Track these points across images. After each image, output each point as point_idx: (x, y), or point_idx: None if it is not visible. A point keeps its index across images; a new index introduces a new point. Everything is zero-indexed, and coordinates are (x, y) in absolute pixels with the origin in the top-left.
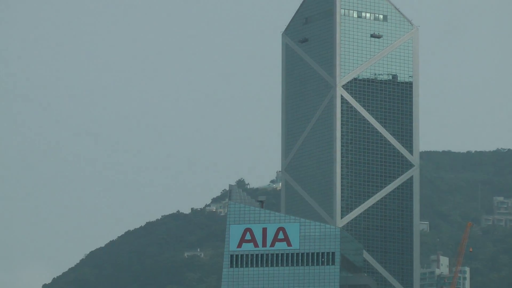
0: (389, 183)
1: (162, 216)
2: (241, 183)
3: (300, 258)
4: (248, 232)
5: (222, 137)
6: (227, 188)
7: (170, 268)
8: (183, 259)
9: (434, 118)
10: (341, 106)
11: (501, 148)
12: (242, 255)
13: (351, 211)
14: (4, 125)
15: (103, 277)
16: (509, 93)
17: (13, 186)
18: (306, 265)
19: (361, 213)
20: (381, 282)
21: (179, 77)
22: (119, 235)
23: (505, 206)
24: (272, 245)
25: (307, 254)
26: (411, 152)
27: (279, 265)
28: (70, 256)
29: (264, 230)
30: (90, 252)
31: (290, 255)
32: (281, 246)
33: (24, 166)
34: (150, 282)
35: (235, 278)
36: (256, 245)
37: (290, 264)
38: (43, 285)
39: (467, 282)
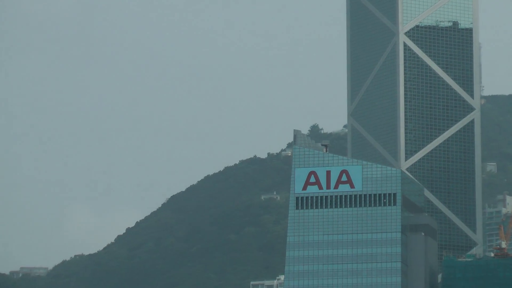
0: (451, 126)
1: (239, 161)
2: (315, 128)
3: (362, 199)
4: (312, 175)
5: (294, 83)
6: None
7: (247, 211)
8: (260, 202)
9: (499, 63)
10: (404, 52)
11: None
12: (307, 197)
13: (415, 154)
14: None
15: (184, 220)
16: None
17: (103, 136)
18: (369, 206)
19: (424, 155)
20: (444, 222)
21: (257, 27)
22: (199, 179)
23: None
24: (336, 187)
25: (370, 195)
26: (472, 96)
27: (343, 207)
28: (153, 201)
29: (328, 173)
30: (171, 196)
31: (353, 196)
32: (344, 188)
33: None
34: (228, 224)
35: (301, 220)
36: (320, 187)
37: (353, 205)
38: (126, 228)
39: None
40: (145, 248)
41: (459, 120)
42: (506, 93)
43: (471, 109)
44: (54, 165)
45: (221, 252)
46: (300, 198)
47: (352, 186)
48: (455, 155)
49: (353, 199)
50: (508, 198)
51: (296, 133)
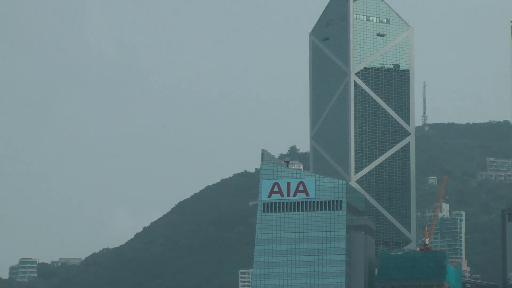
0: (392, 147)
1: (233, 174)
2: (293, 148)
3: (315, 205)
4: (276, 185)
5: (271, 114)
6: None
7: (239, 214)
8: (248, 207)
9: (441, 97)
10: (355, 88)
11: (492, 120)
12: (272, 203)
13: (362, 169)
14: None
15: (188, 221)
16: (491, 78)
17: (115, 148)
18: (320, 210)
19: (370, 170)
20: (385, 223)
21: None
22: (201, 189)
23: (495, 164)
24: (294, 195)
25: (321, 202)
26: (408, 123)
27: (300, 211)
28: (164, 206)
29: (288, 184)
30: (178, 202)
31: (308, 202)
32: (301, 196)
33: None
34: (223, 224)
35: (267, 221)
36: (282, 195)
37: (308, 209)
38: (143, 227)
39: (463, 223)
40: (157, 243)
41: (398, 143)
42: (445, 121)
43: (408, 133)
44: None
45: (217, 246)
46: (266, 204)
47: (307, 194)
48: (395, 170)
49: (308, 204)
50: (443, 205)
51: (263, 152)
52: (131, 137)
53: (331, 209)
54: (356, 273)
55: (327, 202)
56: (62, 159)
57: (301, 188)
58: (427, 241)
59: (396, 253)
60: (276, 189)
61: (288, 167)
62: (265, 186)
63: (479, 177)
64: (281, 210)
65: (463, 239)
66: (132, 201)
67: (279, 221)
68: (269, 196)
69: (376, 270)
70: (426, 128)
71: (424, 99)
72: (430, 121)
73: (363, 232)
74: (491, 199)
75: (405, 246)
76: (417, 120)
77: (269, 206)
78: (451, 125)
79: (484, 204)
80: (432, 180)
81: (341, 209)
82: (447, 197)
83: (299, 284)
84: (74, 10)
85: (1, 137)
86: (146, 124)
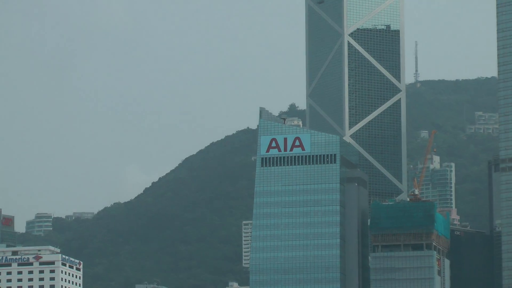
0: (384, 103)
1: (236, 131)
2: (293, 106)
3: (311, 159)
4: (273, 141)
5: (269, 74)
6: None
7: (242, 169)
8: (251, 162)
9: (432, 55)
10: (348, 48)
11: (480, 77)
12: (270, 158)
13: (356, 124)
14: None
15: (194, 177)
16: (478, 36)
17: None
18: (316, 163)
19: (364, 125)
20: (378, 175)
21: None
22: (206, 145)
23: (483, 118)
24: (291, 150)
25: (316, 156)
26: (399, 81)
27: (296, 164)
28: (172, 162)
29: (285, 139)
30: (185, 158)
31: (304, 156)
32: (297, 151)
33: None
34: (227, 179)
35: (265, 174)
36: (279, 150)
37: (304, 163)
38: (152, 182)
39: (453, 174)
40: (166, 197)
41: (390, 99)
42: (436, 78)
43: (399, 90)
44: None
45: (222, 199)
46: (264, 158)
47: (303, 149)
48: (387, 125)
49: (304, 158)
50: (434, 157)
51: (261, 110)
52: (140, 98)
53: (325, 163)
54: (349, 223)
55: (322, 156)
56: (77, 118)
57: (297, 143)
58: (416, 192)
59: (387, 203)
60: (273, 144)
61: (285, 123)
62: (263, 141)
63: (468, 130)
64: (278, 164)
65: (453, 189)
66: (142, 158)
67: (277, 175)
68: (267, 151)
69: (368, 219)
70: (418, 85)
71: (416, 58)
72: (421, 78)
73: (356, 184)
74: (480, 151)
75: (397, 196)
76: (409, 77)
77: (267, 161)
78: (441, 82)
79: (473, 156)
80: (424, 134)
81: (335, 162)
82: (435, 150)
83: (296, 233)
84: None
85: (19, 96)
86: (155, 85)
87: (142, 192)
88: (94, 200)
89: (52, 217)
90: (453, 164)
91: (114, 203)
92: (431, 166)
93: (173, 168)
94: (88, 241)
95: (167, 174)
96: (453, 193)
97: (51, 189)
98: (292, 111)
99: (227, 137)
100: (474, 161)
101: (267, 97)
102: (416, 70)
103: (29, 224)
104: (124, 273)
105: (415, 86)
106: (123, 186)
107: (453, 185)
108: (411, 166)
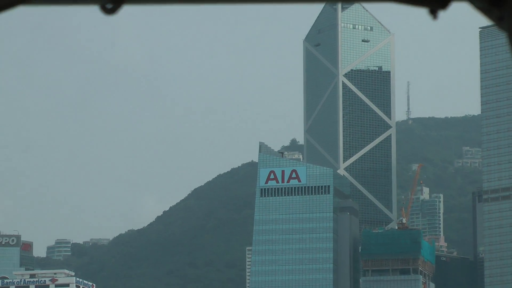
0: (376, 139)
1: (241, 164)
2: (294, 141)
3: (306, 190)
4: (272, 173)
5: (270, 109)
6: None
7: (246, 198)
8: (254, 192)
9: (420, 94)
10: (343, 88)
11: (468, 114)
12: (268, 189)
13: (350, 158)
14: None
15: (202, 205)
16: (464, 76)
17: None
18: (311, 194)
19: (357, 159)
20: (370, 205)
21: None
22: (213, 177)
23: (470, 153)
24: (288, 181)
25: (311, 187)
26: (390, 117)
27: (293, 195)
28: (182, 192)
29: (283, 172)
30: (194, 189)
31: (300, 188)
32: (294, 182)
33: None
34: (233, 208)
35: (264, 204)
36: (277, 181)
37: (300, 194)
38: (163, 211)
39: (441, 204)
40: (176, 225)
41: (381, 134)
42: (427, 115)
43: (389, 126)
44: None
45: (227, 226)
46: (263, 189)
47: (299, 180)
48: (378, 158)
49: (300, 189)
50: (424, 189)
51: (261, 145)
52: (154, 133)
53: (320, 193)
54: (342, 249)
55: (316, 187)
56: (97, 152)
57: (294, 175)
58: (404, 220)
59: (377, 231)
60: (272, 176)
61: (283, 157)
62: (262, 174)
63: (456, 164)
64: (276, 195)
65: (441, 218)
66: (155, 189)
67: (275, 204)
68: (266, 182)
69: (359, 246)
70: (410, 122)
71: (408, 97)
72: (413, 115)
73: (348, 213)
74: (466, 183)
75: (386, 225)
76: (401, 115)
77: (266, 191)
78: (431, 119)
79: (460, 188)
80: (415, 167)
81: (328, 193)
82: (422, 182)
83: (292, 259)
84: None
85: (44, 130)
86: (167, 123)
87: (154, 220)
88: (110, 228)
89: (71, 242)
90: (441, 195)
91: (128, 230)
92: (421, 197)
93: (183, 198)
94: (103, 265)
95: (177, 204)
96: (441, 221)
97: (71, 217)
98: (293, 145)
99: (232, 169)
100: (461, 192)
101: (270, 132)
102: (408, 108)
103: (50, 249)
104: None
105: (407, 123)
106: (137, 215)
107: (441, 214)
108: (403, 197)
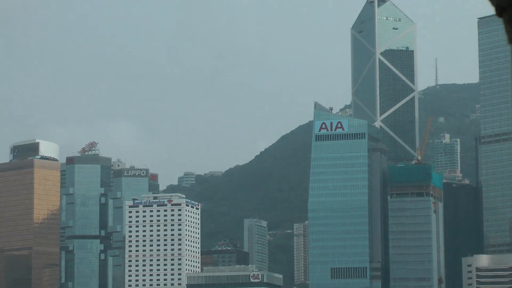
0: (403, 99)
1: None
2: (343, 101)
3: (348, 136)
4: (323, 124)
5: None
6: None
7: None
8: None
9: (445, 65)
10: (379, 64)
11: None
12: (321, 135)
13: (385, 112)
14: None
15: (291, 150)
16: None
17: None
18: (351, 139)
19: (390, 113)
20: (398, 147)
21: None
22: (296, 127)
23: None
24: (335, 130)
25: (352, 133)
26: (413, 83)
27: (339, 140)
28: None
29: (331, 123)
30: (282, 135)
31: (344, 134)
32: (339, 131)
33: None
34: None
35: (318, 147)
36: (327, 130)
37: (344, 139)
38: (271, 143)
39: (458, 146)
40: (269, 161)
41: (407, 96)
42: (450, 82)
43: (412, 90)
44: None
45: (302, 164)
46: (317, 136)
47: (343, 129)
48: (405, 113)
49: (343, 135)
50: (446, 135)
51: (315, 103)
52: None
53: (358, 138)
54: (374, 178)
55: (355, 134)
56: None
57: (339, 125)
58: (419, 157)
59: (399, 165)
60: (323, 126)
61: (332, 112)
62: (316, 124)
63: (470, 117)
64: (327, 140)
65: (458, 156)
66: (255, 135)
67: (327, 146)
68: (319, 130)
69: (387, 176)
70: (438, 87)
71: (436, 68)
72: (439, 82)
73: (379, 153)
74: (477, 131)
75: (408, 161)
76: (431, 81)
77: (320, 137)
78: (453, 85)
79: (474, 134)
80: (441, 119)
81: (364, 138)
82: (432, 130)
83: (338, 185)
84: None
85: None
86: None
87: (253, 158)
88: (223, 163)
89: (195, 174)
90: (458, 140)
91: (235, 165)
92: (444, 141)
93: (274, 142)
94: (218, 191)
95: (269, 146)
96: (458, 159)
97: (195, 152)
98: (342, 104)
99: (309, 121)
100: (473, 138)
101: (326, 94)
102: (436, 77)
103: (180, 179)
104: (238, 211)
105: (435, 88)
106: (242, 154)
107: (458, 153)
108: (431, 141)
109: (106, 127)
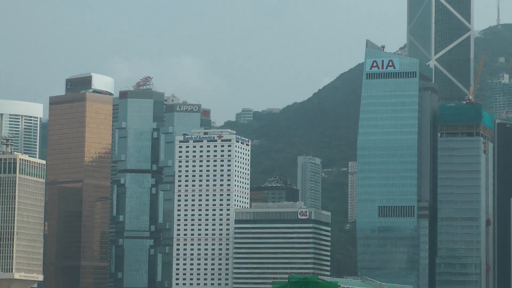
0: (458, 38)
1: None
2: (398, 41)
3: (400, 74)
4: (374, 62)
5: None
6: None
7: None
8: None
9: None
10: (435, 3)
11: None
12: (372, 73)
13: (440, 51)
14: None
15: (345, 87)
16: None
17: None
18: (403, 78)
19: (445, 52)
20: (452, 86)
21: None
22: (354, 65)
23: None
24: (386, 68)
25: (403, 72)
26: (469, 22)
27: (390, 78)
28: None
29: (382, 61)
30: (340, 74)
31: (395, 73)
32: (390, 69)
33: None
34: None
35: (369, 84)
36: (378, 68)
37: (395, 77)
38: (324, 85)
39: None
40: (326, 99)
41: (463, 35)
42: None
43: (468, 29)
44: None
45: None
46: (368, 74)
47: (394, 68)
48: (461, 52)
49: (395, 74)
50: (505, 75)
51: (367, 41)
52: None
53: (409, 77)
54: (424, 117)
55: (407, 72)
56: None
57: (390, 64)
58: (470, 97)
59: (451, 104)
60: (375, 64)
61: (383, 50)
62: (368, 62)
63: None
64: (378, 78)
65: None
66: (316, 72)
67: (378, 85)
68: (370, 68)
69: (437, 115)
70: (499, 26)
71: (498, 7)
72: (501, 22)
73: (430, 92)
74: None
75: (460, 101)
76: (493, 21)
77: (371, 75)
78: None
79: None
80: (502, 59)
81: (415, 77)
82: (484, 70)
83: (388, 123)
84: None
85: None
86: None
87: (311, 95)
88: (281, 99)
89: (253, 111)
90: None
91: (293, 102)
92: (503, 81)
93: (332, 80)
94: (275, 127)
95: (327, 84)
96: None
97: (252, 89)
98: (397, 44)
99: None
100: None
101: (380, 33)
102: (498, 16)
103: (238, 115)
104: (293, 149)
105: (497, 28)
106: (300, 91)
107: None
108: (489, 81)
109: (170, 62)
